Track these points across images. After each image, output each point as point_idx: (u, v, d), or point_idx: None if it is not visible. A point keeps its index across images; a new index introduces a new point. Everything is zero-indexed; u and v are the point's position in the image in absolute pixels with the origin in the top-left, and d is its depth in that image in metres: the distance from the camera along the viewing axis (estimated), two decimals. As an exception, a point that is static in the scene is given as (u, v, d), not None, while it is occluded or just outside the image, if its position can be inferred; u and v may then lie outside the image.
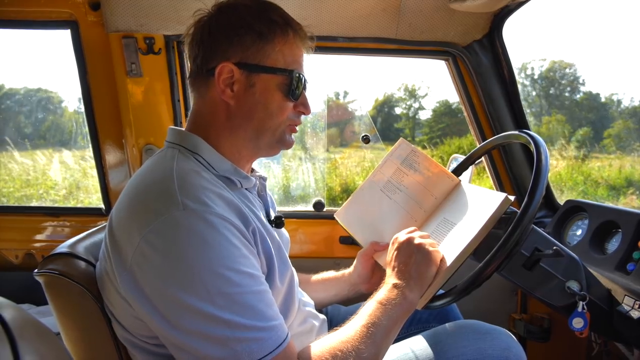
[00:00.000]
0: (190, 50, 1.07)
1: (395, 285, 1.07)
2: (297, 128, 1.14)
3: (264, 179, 1.20)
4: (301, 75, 1.06)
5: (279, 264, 1.03)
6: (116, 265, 0.90)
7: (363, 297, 1.13)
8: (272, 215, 1.19)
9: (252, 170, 1.20)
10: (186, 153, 1.01)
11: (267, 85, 1.03)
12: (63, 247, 1.06)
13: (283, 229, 1.24)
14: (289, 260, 1.12)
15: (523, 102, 1.93)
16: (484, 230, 1.09)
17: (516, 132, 1.25)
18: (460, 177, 1.45)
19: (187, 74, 1.24)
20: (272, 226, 1.14)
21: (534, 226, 1.16)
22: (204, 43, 1.03)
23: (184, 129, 1.08)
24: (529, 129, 1.74)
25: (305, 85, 1.09)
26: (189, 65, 1.15)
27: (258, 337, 0.85)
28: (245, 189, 1.09)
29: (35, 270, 1.00)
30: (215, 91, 1.02)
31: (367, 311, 1.03)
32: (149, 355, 0.98)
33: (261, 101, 1.03)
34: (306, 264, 1.51)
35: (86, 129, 2.04)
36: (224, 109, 1.04)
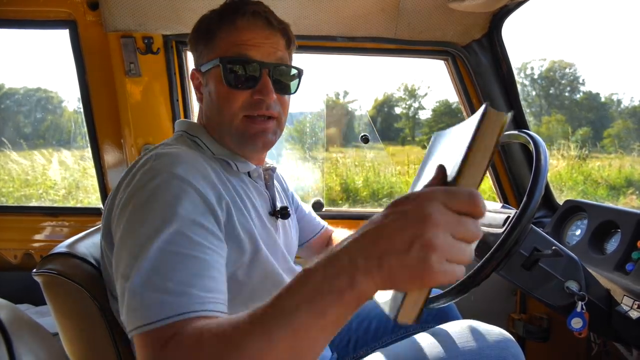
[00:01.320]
0: None
1: (345, 263, 0.60)
2: (265, 120, 1.03)
3: (272, 170, 1.19)
4: (235, 58, 0.99)
5: (270, 251, 1.03)
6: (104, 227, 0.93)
7: None
8: (278, 205, 1.17)
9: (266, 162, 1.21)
10: (187, 137, 1.07)
11: (213, 80, 1.05)
12: (61, 247, 1.06)
13: (290, 221, 1.24)
14: (289, 253, 1.13)
15: (523, 102, 1.93)
16: (476, 154, 0.63)
17: (515, 131, 1.25)
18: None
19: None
20: (278, 217, 1.14)
21: (533, 226, 1.16)
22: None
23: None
24: (528, 129, 1.74)
25: (251, 66, 1.00)
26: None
27: (159, 300, 0.72)
28: (248, 173, 1.10)
29: (34, 270, 0.99)
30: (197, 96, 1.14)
31: (289, 285, 0.65)
32: None
33: (212, 98, 1.06)
34: (306, 264, 1.51)
35: (85, 129, 2.04)
36: (202, 111, 1.12)
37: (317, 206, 2.21)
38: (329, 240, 1.51)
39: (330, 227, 1.55)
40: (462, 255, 0.60)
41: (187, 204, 0.82)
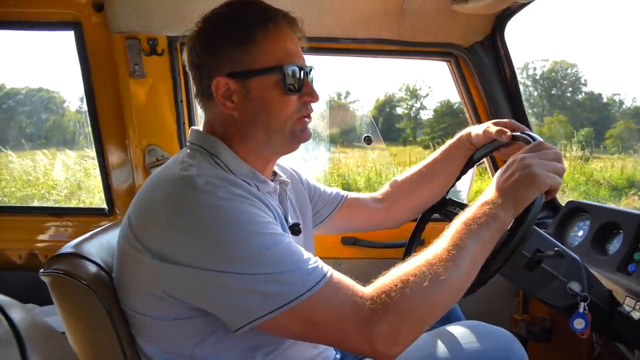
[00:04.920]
0: (190, 72, 1.10)
1: (486, 203, 0.99)
2: (310, 119, 1.11)
3: (286, 184, 1.20)
4: (295, 67, 1.03)
5: None
6: (144, 255, 0.91)
7: None
8: (290, 221, 1.18)
9: (275, 174, 1.21)
10: (206, 155, 1.04)
11: (262, 87, 1.02)
12: (68, 248, 1.07)
13: (301, 238, 1.24)
14: None
15: (525, 103, 1.93)
16: None
17: (518, 132, 1.25)
18: (461, 179, 1.46)
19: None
20: (289, 233, 1.14)
21: (536, 227, 1.16)
22: (195, 65, 1.07)
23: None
24: (530, 130, 1.75)
25: (304, 73, 1.06)
26: (193, 86, 1.17)
27: (304, 271, 0.88)
28: (267, 192, 1.09)
29: (41, 270, 1.00)
30: (219, 106, 1.05)
31: (449, 233, 0.97)
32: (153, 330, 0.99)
33: (261, 104, 1.03)
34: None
35: (87, 129, 2.05)
36: (231, 121, 1.06)
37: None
38: (352, 205, 1.51)
39: (350, 193, 1.54)
40: (553, 166, 0.99)
41: (255, 210, 0.93)
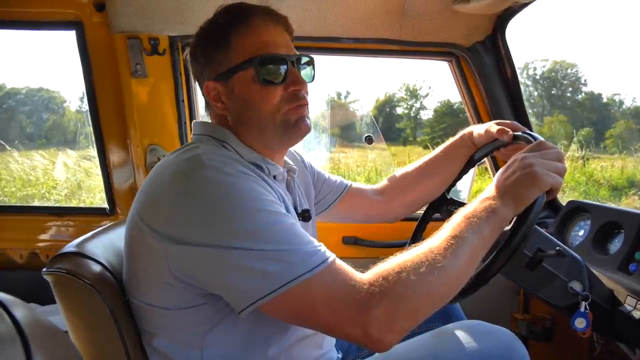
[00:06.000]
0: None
1: (486, 199, 1.00)
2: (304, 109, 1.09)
3: (293, 171, 1.21)
4: (269, 56, 1.03)
5: None
6: (152, 238, 0.92)
7: None
8: (299, 208, 1.19)
9: (285, 163, 1.22)
10: (212, 140, 1.06)
11: (242, 83, 1.05)
12: (70, 247, 1.07)
13: (311, 224, 1.25)
14: None
15: (525, 103, 1.93)
16: None
17: (518, 132, 1.26)
18: (462, 179, 1.46)
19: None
20: (300, 219, 1.16)
21: (537, 227, 1.16)
22: (196, 77, 1.14)
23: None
24: (531, 130, 1.75)
25: (287, 62, 1.04)
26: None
27: (306, 252, 0.88)
28: (274, 176, 1.10)
29: (44, 270, 1.01)
30: (214, 109, 1.10)
31: (449, 225, 0.98)
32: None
33: (244, 100, 1.06)
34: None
35: (88, 129, 2.05)
36: (226, 121, 1.10)
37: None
38: (355, 194, 1.51)
39: (353, 183, 1.54)
40: (555, 165, 1.00)
41: (260, 188, 0.93)
